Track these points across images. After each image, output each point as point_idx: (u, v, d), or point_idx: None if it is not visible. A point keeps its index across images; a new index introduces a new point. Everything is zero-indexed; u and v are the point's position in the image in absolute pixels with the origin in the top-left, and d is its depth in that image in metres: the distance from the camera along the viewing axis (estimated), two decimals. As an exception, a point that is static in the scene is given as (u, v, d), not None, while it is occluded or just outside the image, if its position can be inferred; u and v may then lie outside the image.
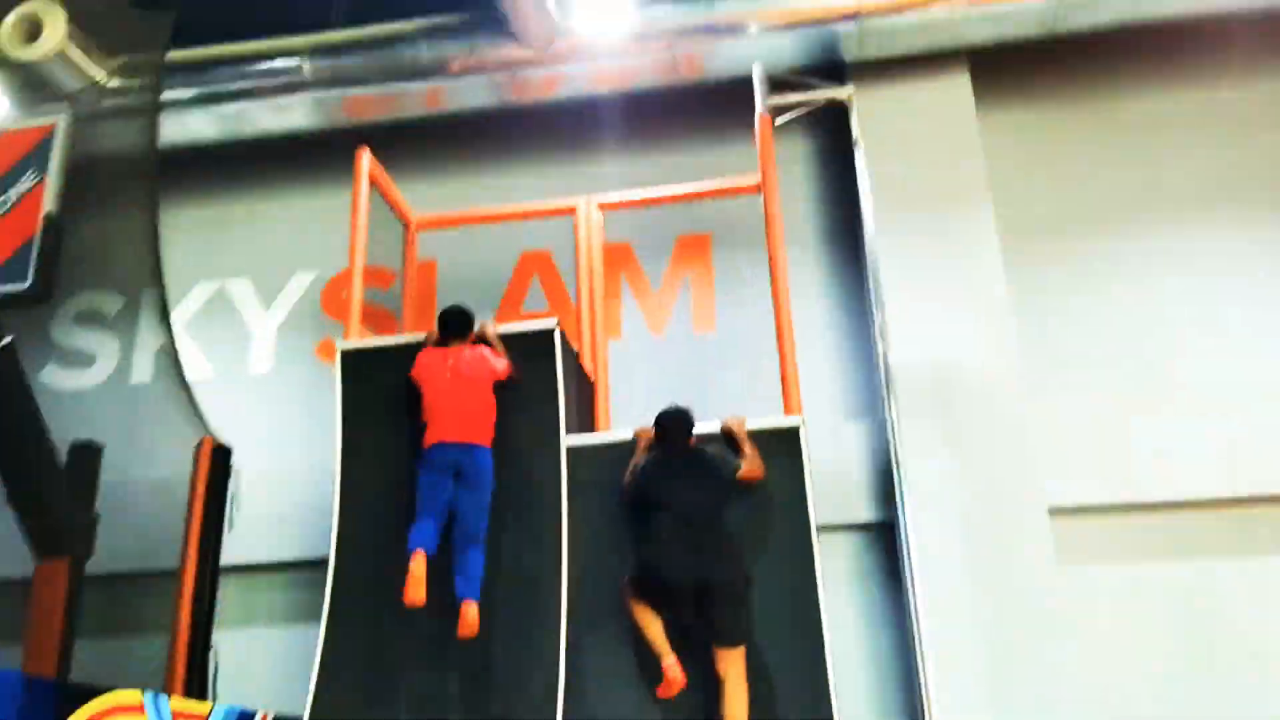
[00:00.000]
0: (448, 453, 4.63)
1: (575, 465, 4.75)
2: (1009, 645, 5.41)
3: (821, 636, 4.31)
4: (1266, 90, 6.61)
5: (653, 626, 4.29)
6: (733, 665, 4.17)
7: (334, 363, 7.31)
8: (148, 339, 7.59)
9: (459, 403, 4.73)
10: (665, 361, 6.75)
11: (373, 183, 5.93)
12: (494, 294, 7.25)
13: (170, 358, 6.37)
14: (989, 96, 6.60)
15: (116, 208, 5.93)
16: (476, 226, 6.73)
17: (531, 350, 4.92)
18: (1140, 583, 5.62)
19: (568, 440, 4.79)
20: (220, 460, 5.74)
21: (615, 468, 4.73)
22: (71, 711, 3.82)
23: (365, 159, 5.80)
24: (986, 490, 5.73)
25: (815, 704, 4.21)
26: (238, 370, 7.45)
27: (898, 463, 5.94)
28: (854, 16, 6.11)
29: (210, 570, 5.54)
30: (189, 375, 7.22)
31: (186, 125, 6.95)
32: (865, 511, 5.99)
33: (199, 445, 5.73)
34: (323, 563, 6.84)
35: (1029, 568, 5.52)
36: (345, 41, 6.62)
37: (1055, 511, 5.64)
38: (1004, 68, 6.63)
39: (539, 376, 4.88)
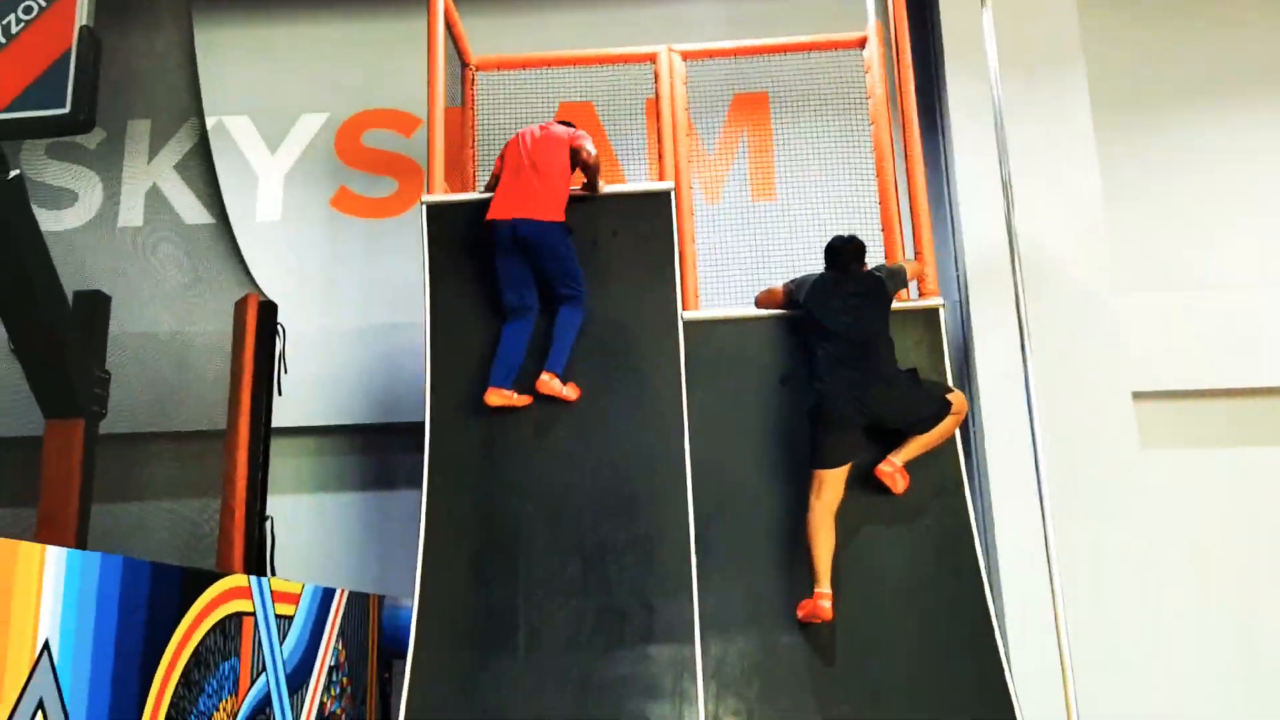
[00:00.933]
0: (504, 230, 4.42)
1: (692, 339, 4.43)
2: (1082, 525, 5.41)
3: (967, 508, 4.24)
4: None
5: (824, 543, 4.05)
6: None
7: (352, 215, 6.88)
8: (138, 177, 6.83)
9: (525, 179, 4.50)
10: (723, 231, 6.39)
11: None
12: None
13: (214, 201, 5.69)
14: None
15: (137, 25, 5.16)
16: (510, 74, 6.14)
17: (643, 214, 4.51)
18: (1215, 465, 5.66)
19: (685, 315, 4.45)
20: (267, 317, 5.19)
21: (733, 342, 4.45)
22: (195, 597, 3.43)
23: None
24: (1068, 374, 5.65)
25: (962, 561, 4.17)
26: (243, 218, 6.77)
27: (969, 345, 5.82)
28: None
29: (263, 437, 5.07)
30: (188, 220, 6.59)
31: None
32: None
33: (243, 301, 5.16)
34: (347, 429, 6.52)
35: (1110, 450, 5.50)
36: None
37: (1138, 396, 5.60)
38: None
39: (653, 245, 4.49)
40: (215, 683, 3.55)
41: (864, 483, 4.18)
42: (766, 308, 4.66)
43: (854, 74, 5.65)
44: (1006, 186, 4.64)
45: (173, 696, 3.26)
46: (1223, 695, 5.53)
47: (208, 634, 3.51)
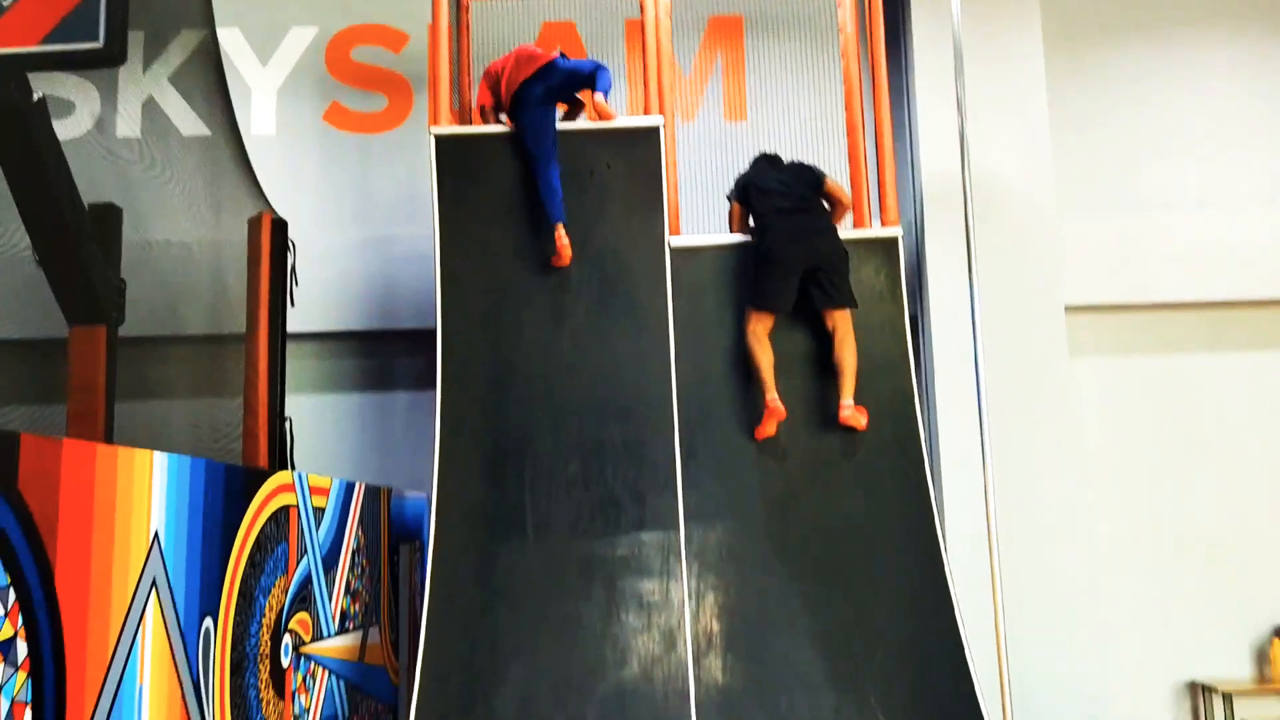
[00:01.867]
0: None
1: (678, 264, 4.95)
2: (1018, 425, 6.10)
3: (914, 404, 4.92)
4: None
5: (765, 359, 4.75)
6: (841, 321, 4.83)
7: (345, 129, 7.17)
8: (131, 87, 7.03)
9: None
10: (699, 149, 6.81)
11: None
12: (519, 66, 7.03)
13: (224, 114, 5.96)
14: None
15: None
16: (500, -1, 6.43)
17: (634, 148, 4.96)
18: (1134, 373, 6.39)
19: (672, 241, 4.95)
20: (279, 234, 5.59)
21: (713, 266, 4.99)
22: (254, 492, 3.97)
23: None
24: (1010, 289, 6.25)
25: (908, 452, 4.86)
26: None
27: (923, 262, 6.39)
28: None
29: (280, 345, 5.54)
30: (185, 131, 6.85)
31: None
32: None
33: (257, 219, 5.54)
34: (348, 335, 6.97)
35: (1043, 359, 6.16)
36: None
37: (1070, 309, 6.25)
38: None
39: (642, 175, 4.95)
40: (272, 564, 4.13)
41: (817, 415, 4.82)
42: (738, 227, 5.21)
43: (827, 5, 6.05)
44: (960, 104, 5.12)
45: (243, 574, 3.84)
46: (1141, 578, 6.37)
47: (265, 524, 4.06)
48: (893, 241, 5.05)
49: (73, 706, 2.69)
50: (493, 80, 5.27)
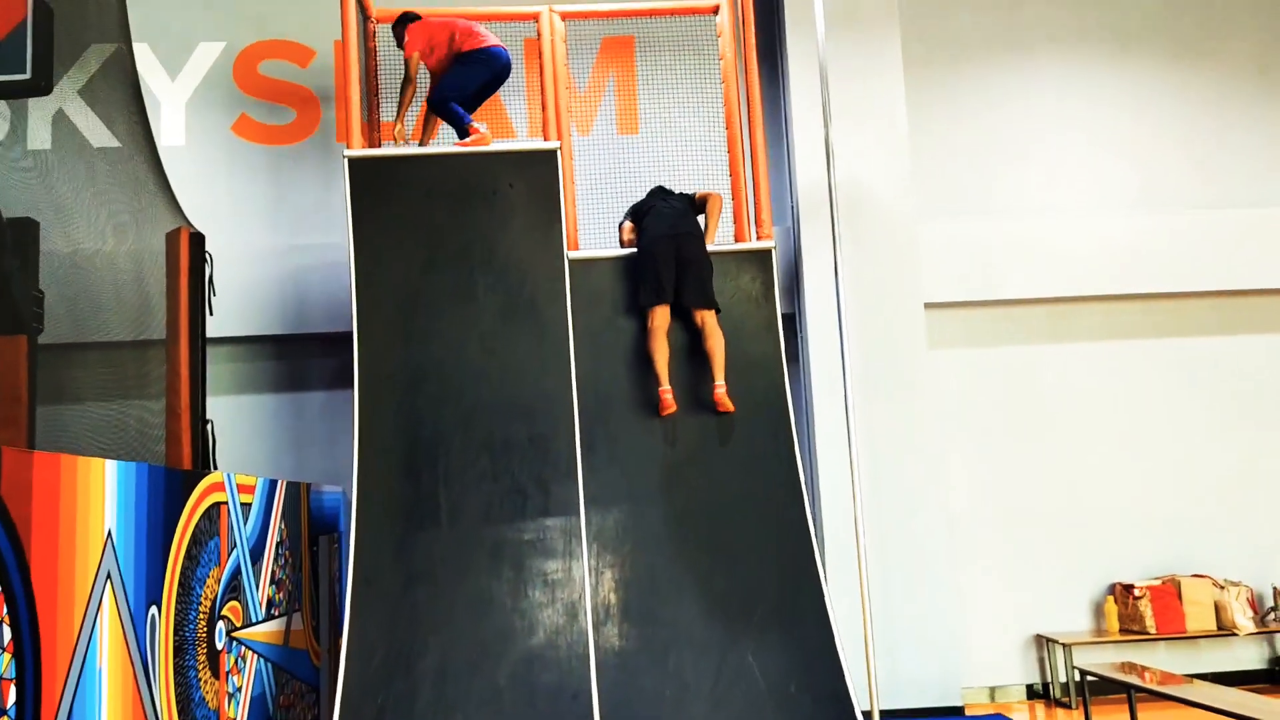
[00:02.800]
0: None
1: (576, 275, 5.48)
2: (884, 411, 6.81)
3: (786, 396, 5.53)
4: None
5: (661, 353, 5.38)
6: (708, 318, 5.48)
7: (253, 141, 7.46)
8: (44, 100, 7.19)
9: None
10: (593, 162, 7.31)
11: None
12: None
13: (141, 128, 6.20)
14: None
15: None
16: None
17: (534, 169, 5.46)
18: (986, 363, 7.18)
19: (570, 254, 5.48)
20: (197, 246, 5.91)
21: (608, 276, 5.55)
22: (190, 492, 4.35)
23: (349, -42, 5.77)
24: (875, 288, 6.96)
25: (780, 438, 5.48)
26: (147, 141, 7.29)
27: (800, 264, 7.04)
28: None
29: (200, 351, 5.87)
30: (94, 142, 7.06)
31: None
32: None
33: (175, 233, 5.85)
34: (261, 339, 7.29)
35: (906, 351, 6.88)
36: None
37: (929, 306, 6.98)
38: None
39: (541, 194, 5.46)
40: (206, 557, 4.52)
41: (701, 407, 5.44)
42: (627, 241, 5.79)
43: (710, 33, 6.62)
44: (826, 118, 5.75)
45: (182, 567, 4.24)
46: (994, 544, 7.16)
47: (200, 520, 4.46)
48: (766, 253, 5.67)
49: (47, 683, 3.09)
50: (430, 37, 6.00)
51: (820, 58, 6.06)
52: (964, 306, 7.20)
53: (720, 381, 5.35)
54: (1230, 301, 7.37)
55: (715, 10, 6.33)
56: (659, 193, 5.94)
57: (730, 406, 5.36)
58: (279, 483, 5.69)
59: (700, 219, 5.79)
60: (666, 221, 5.64)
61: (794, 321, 7.10)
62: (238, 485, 4.97)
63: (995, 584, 7.11)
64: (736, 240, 5.96)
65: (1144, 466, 7.23)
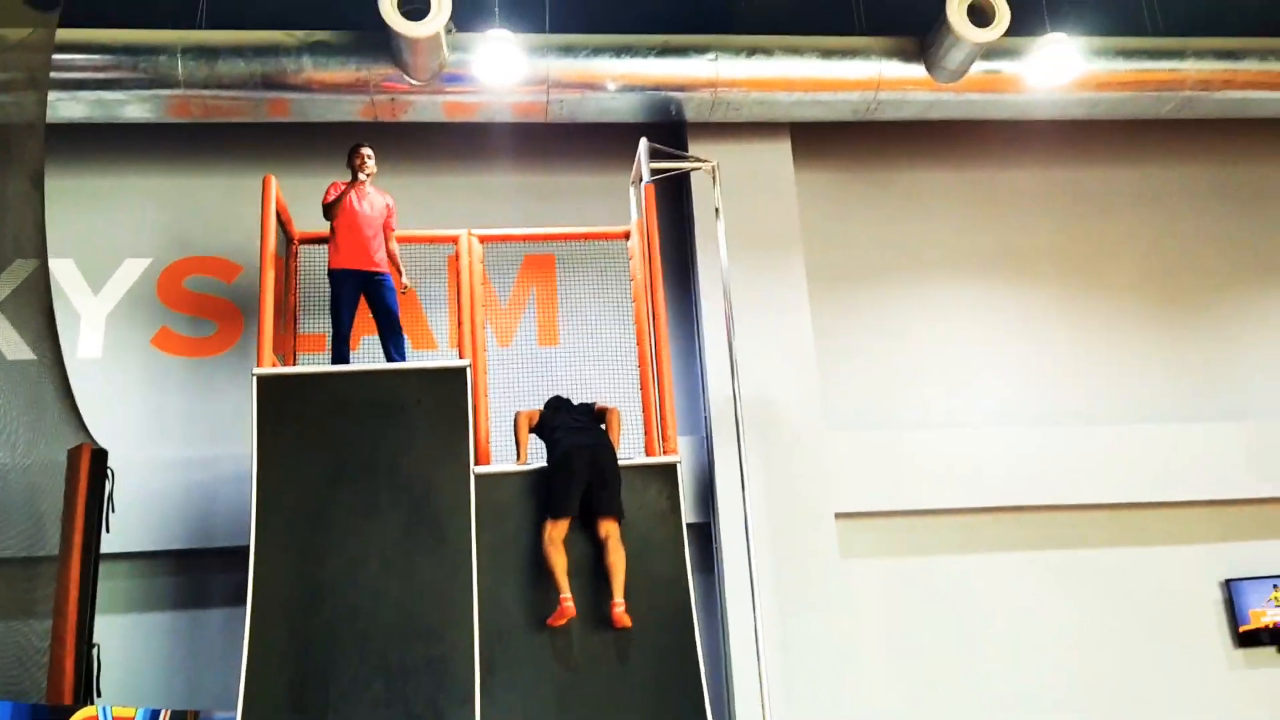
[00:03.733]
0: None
1: (482, 490, 5.50)
2: (797, 619, 6.75)
3: (692, 615, 5.49)
4: (1020, 177, 8.43)
5: (559, 562, 5.31)
6: (612, 531, 5.47)
7: (172, 353, 7.51)
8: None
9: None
10: (513, 372, 7.48)
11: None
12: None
13: (50, 343, 6.20)
14: (806, 162, 7.91)
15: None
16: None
17: (442, 386, 5.57)
18: (897, 572, 7.21)
19: (477, 469, 5.52)
20: (98, 463, 5.83)
21: (515, 490, 5.56)
22: (54, 728, 4.12)
23: (274, 186, 6.03)
24: (785, 498, 7.04)
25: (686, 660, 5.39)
26: (64, 355, 7.27)
27: (713, 474, 7.14)
28: (711, 87, 7.17)
29: (93, 572, 5.68)
30: (11, 356, 7.04)
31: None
32: (690, 515, 7.09)
33: (77, 450, 5.78)
34: (164, 554, 7.08)
35: (818, 560, 6.90)
36: (223, 45, 6.71)
37: (840, 516, 7.07)
38: (820, 139, 7.96)
39: (449, 410, 5.54)
40: (69, 800, 4.22)
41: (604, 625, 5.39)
42: (520, 427, 5.89)
43: (623, 256, 6.97)
44: (730, 328, 5.96)
45: (39, 815, 3.94)
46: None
47: (66, 760, 4.19)
48: (672, 467, 5.74)
49: None
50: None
51: (724, 278, 6.38)
52: (875, 516, 7.30)
53: (619, 600, 5.29)
54: (1124, 514, 7.56)
55: (626, 236, 6.67)
56: (559, 403, 6.03)
57: (628, 623, 5.28)
58: (163, 713, 5.40)
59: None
60: (582, 434, 5.70)
61: (709, 530, 7.12)
62: (114, 719, 4.71)
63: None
64: (646, 454, 6.05)
65: (1047, 678, 7.19)
